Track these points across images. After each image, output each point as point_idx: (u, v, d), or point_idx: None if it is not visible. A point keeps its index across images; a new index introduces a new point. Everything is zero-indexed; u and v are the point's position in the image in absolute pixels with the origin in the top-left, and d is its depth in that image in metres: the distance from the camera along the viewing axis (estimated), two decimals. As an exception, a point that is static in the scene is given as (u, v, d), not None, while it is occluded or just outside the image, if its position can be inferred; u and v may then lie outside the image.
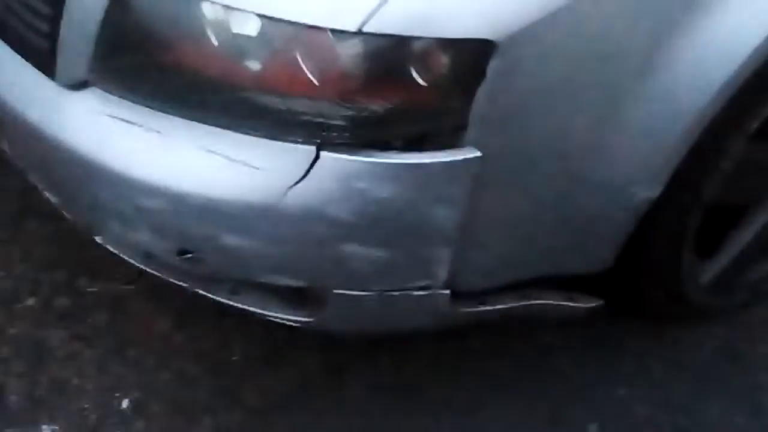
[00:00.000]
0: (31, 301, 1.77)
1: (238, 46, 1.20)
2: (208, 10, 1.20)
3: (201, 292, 1.47)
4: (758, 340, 1.75)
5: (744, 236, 1.59)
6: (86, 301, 1.77)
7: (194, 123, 1.24)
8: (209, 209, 1.25)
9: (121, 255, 1.52)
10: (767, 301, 1.77)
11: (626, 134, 1.24)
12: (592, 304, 1.47)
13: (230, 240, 1.27)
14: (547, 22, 1.11)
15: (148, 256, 1.47)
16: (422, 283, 1.32)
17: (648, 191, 1.29)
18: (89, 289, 1.80)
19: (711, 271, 1.61)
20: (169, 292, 1.75)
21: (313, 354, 1.69)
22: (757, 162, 1.50)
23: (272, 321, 1.47)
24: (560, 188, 1.27)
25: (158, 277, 1.74)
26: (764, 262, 1.71)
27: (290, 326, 1.53)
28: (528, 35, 1.11)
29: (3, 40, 1.38)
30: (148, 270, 1.51)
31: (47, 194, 1.59)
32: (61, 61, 1.29)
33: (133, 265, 1.76)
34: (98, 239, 1.53)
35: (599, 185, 1.28)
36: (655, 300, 1.57)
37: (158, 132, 1.25)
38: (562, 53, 1.15)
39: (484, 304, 1.41)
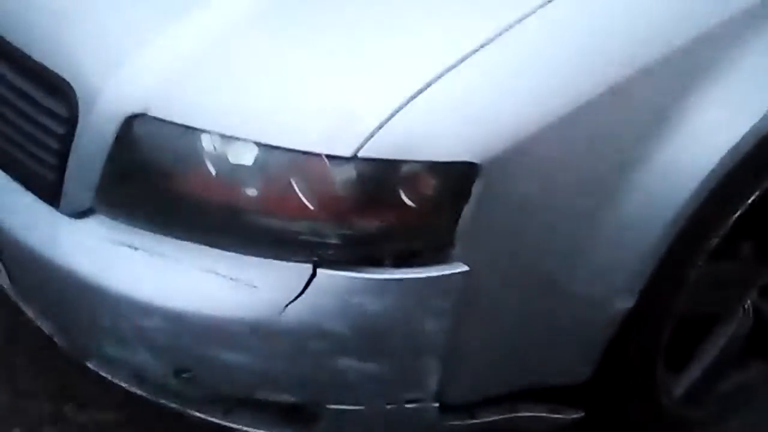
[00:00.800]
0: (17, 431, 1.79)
1: (236, 174, 1.29)
2: (207, 142, 1.29)
3: (194, 413, 1.50)
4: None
5: (712, 349, 1.67)
6: (73, 430, 1.79)
7: (195, 245, 1.31)
8: (208, 328, 1.31)
9: (112, 379, 1.56)
10: (738, 413, 1.84)
11: (601, 248, 1.33)
12: (575, 415, 1.53)
13: (228, 357, 1.33)
14: (529, 143, 1.21)
15: (141, 380, 1.51)
16: (413, 396, 1.37)
17: (623, 302, 1.38)
18: (76, 418, 1.81)
19: (683, 383, 1.67)
20: (155, 419, 1.77)
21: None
22: (719, 277, 1.60)
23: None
24: (542, 300, 1.35)
25: (146, 403, 1.76)
26: (734, 374, 1.79)
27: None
28: (510, 156, 1.21)
29: (4, 170, 1.46)
30: (139, 393, 1.55)
31: (39, 322, 1.63)
32: (67, 191, 1.37)
33: (121, 391, 1.79)
34: (90, 364, 1.57)
35: (578, 297, 1.36)
36: (634, 413, 1.63)
37: (161, 255, 1.32)
38: (541, 172, 1.25)
39: (473, 417, 1.45)
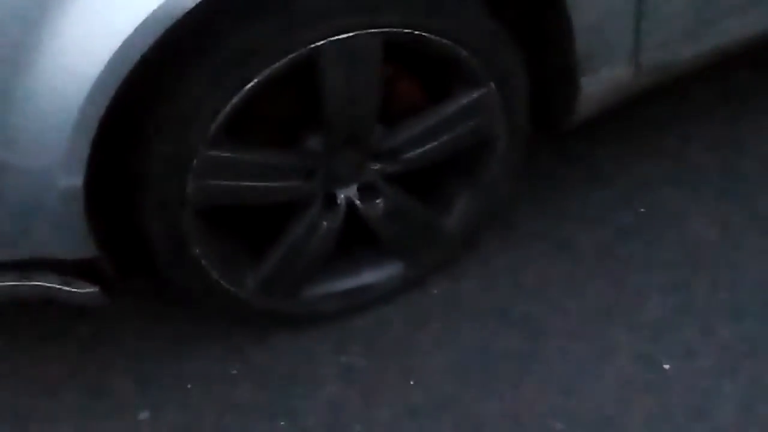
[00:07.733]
0: None
1: None
2: None
3: None
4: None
5: (284, 241, 1.65)
6: None
7: None
8: None
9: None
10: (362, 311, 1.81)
11: (22, 129, 1.33)
12: (87, 290, 1.55)
13: None
14: None
15: None
16: None
17: (69, 179, 1.38)
18: None
19: (259, 275, 1.67)
20: None
21: None
22: (252, 164, 1.56)
23: None
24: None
25: None
26: (349, 271, 1.76)
27: None
28: None
29: None
30: None
31: None
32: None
33: None
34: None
35: (19, 173, 1.37)
36: (194, 293, 1.66)
37: None
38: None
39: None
